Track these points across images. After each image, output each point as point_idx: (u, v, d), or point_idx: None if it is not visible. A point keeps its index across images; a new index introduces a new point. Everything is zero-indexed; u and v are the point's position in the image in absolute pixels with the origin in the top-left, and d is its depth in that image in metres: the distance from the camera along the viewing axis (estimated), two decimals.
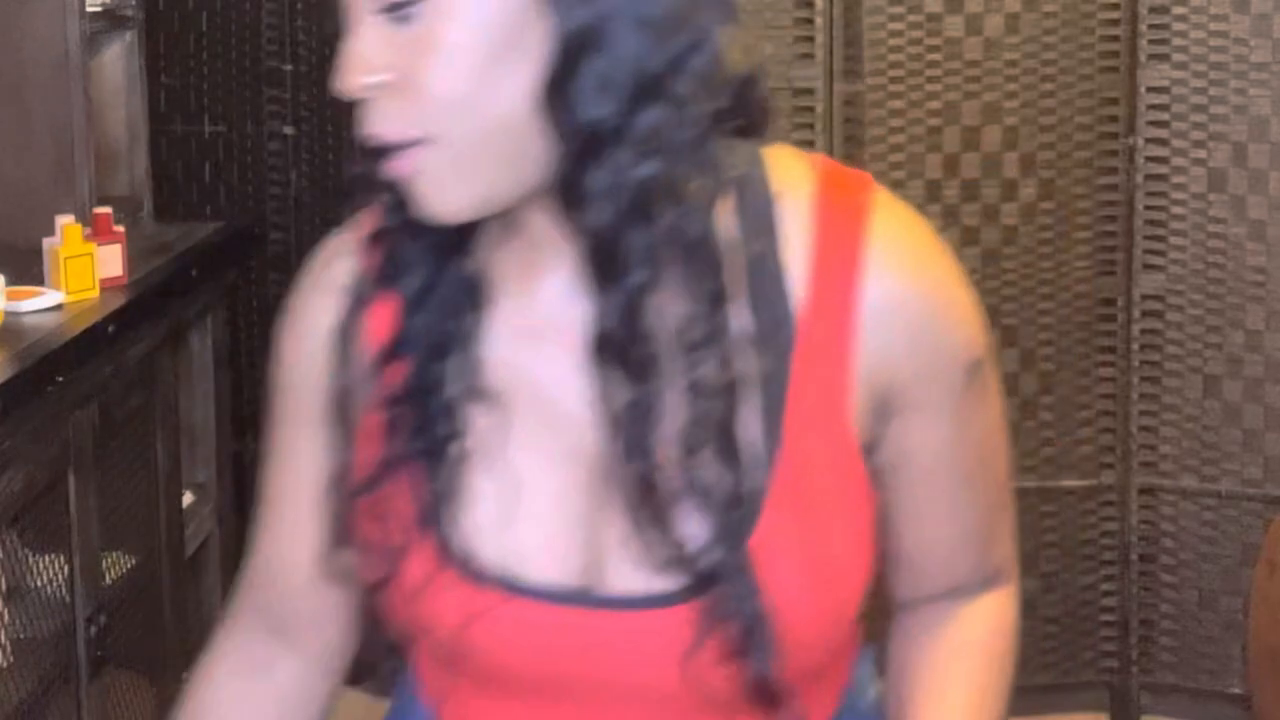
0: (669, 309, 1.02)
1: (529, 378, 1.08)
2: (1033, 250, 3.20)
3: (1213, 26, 3.09)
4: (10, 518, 2.24)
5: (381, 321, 1.10)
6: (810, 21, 3.10)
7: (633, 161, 0.99)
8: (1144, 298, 3.19)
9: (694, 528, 1.03)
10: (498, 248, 1.09)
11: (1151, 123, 3.14)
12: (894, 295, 1.07)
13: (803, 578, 1.07)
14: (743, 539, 1.04)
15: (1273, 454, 3.15)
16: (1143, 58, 3.13)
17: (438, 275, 1.08)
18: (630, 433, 1.02)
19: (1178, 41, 3.11)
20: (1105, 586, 3.29)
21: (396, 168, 1.01)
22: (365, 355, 1.11)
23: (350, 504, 1.11)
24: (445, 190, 1.01)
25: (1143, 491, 3.24)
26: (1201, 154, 3.13)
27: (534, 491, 1.07)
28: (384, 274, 1.09)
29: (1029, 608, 3.48)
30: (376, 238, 1.10)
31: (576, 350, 1.04)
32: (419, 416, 1.07)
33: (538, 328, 1.08)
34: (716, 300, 1.01)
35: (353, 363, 1.11)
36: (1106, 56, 3.16)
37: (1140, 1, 3.10)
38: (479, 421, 1.08)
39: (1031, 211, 3.19)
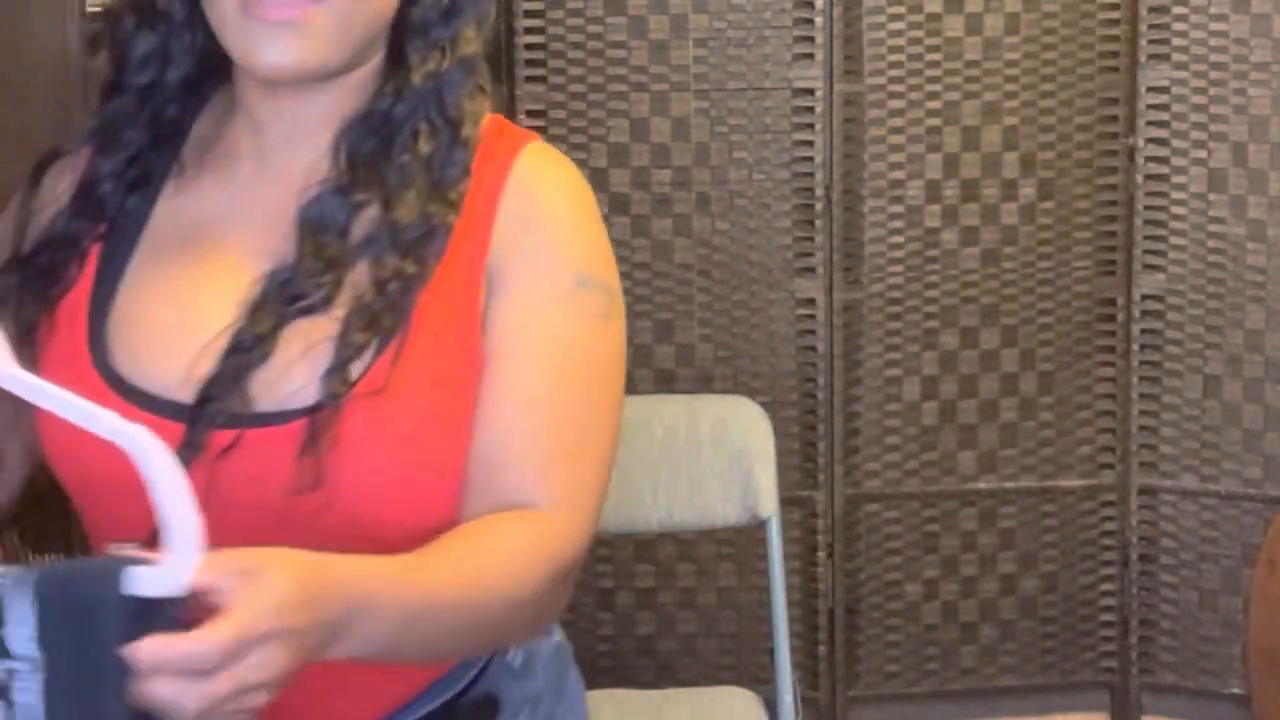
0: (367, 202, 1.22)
1: (219, 224, 1.26)
2: (1033, 250, 3.20)
3: (1213, 26, 3.09)
4: (10, 518, 2.23)
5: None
6: (810, 21, 3.10)
7: (439, 57, 1.25)
8: (1144, 298, 3.19)
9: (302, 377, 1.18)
10: (199, 138, 1.30)
11: (1151, 123, 3.14)
12: (521, 194, 1.24)
13: (380, 451, 1.18)
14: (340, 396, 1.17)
15: (1273, 454, 3.15)
16: (1143, 58, 3.13)
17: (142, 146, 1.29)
18: (287, 293, 1.19)
19: (1178, 41, 3.11)
20: (1105, 586, 3.29)
21: (284, 12, 1.19)
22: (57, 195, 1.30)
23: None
24: (317, 45, 1.20)
25: (1143, 491, 3.24)
26: (1201, 154, 3.13)
27: (175, 305, 1.24)
28: (97, 135, 1.32)
29: (1029, 608, 3.51)
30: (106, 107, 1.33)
31: (280, 213, 1.23)
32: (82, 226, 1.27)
33: (235, 197, 1.27)
34: (400, 206, 1.22)
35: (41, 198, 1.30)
36: (1106, 56, 3.16)
37: (1140, 1, 3.10)
38: (142, 258, 1.26)
39: (1031, 211, 3.19)
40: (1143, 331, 3.20)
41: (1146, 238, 3.17)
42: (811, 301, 3.16)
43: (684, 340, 3.15)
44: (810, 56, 3.10)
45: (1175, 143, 3.14)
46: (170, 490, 0.99)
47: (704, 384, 2.95)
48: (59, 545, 2.41)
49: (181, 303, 1.24)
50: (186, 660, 0.95)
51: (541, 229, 1.25)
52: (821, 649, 3.24)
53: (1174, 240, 3.16)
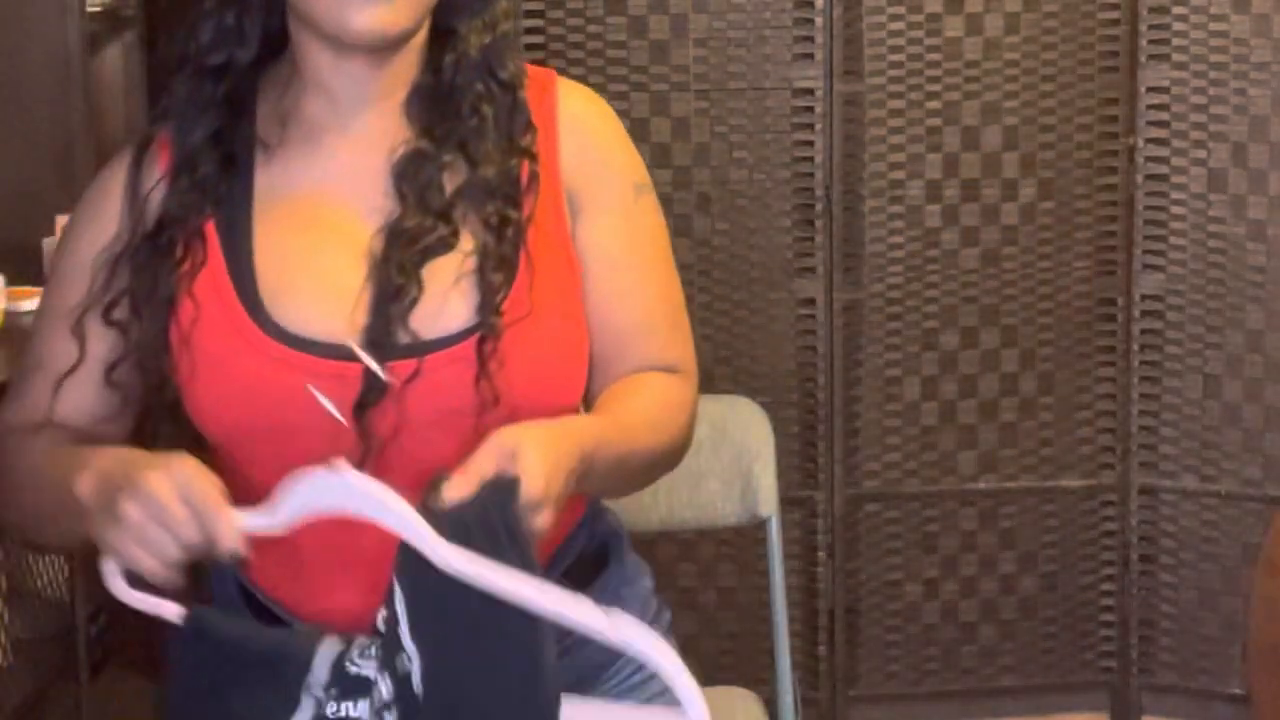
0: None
1: (324, 202, 1.40)
2: (1033, 250, 3.20)
3: (1213, 26, 3.09)
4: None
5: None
6: (810, 21, 3.10)
7: (485, 30, 1.42)
8: (1144, 298, 3.19)
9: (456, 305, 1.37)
10: (272, 113, 1.42)
11: (1151, 123, 3.14)
12: (575, 128, 1.45)
13: (535, 362, 1.38)
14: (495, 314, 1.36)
15: (1273, 454, 3.15)
16: (1143, 58, 3.13)
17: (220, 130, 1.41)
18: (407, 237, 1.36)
19: (1178, 41, 3.11)
20: (1105, 586, 3.29)
21: None
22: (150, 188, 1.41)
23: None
24: (399, 12, 1.35)
25: (1143, 491, 3.24)
26: (1201, 154, 3.13)
27: (312, 265, 1.38)
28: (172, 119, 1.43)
29: (1029, 608, 3.50)
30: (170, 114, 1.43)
31: (373, 175, 1.39)
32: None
33: (325, 166, 1.40)
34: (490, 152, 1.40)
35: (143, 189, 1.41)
36: (1106, 56, 3.16)
37: (1140, 1, 3.10)
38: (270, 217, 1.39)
39: (1031, 211, 3.19)
40: (1143, 331, 3.19)
41: (1146, 238, 3.17)
42: (811, 301, 3.16)
43: None
44: (810, 56, 3.10)
45: (1175, 142, 3.14)
46: None
47: (704, 384, 2.94)
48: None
49: (313, 264, 1.38)
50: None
51: (599, 154, 1.47)
52: (821, 649, 3.24)
53: (1174, 240, 3.16)
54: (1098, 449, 3.26)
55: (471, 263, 1.37)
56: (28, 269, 2.51)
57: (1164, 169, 3.15)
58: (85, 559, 2.38)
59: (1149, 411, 3.21)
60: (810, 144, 3.12)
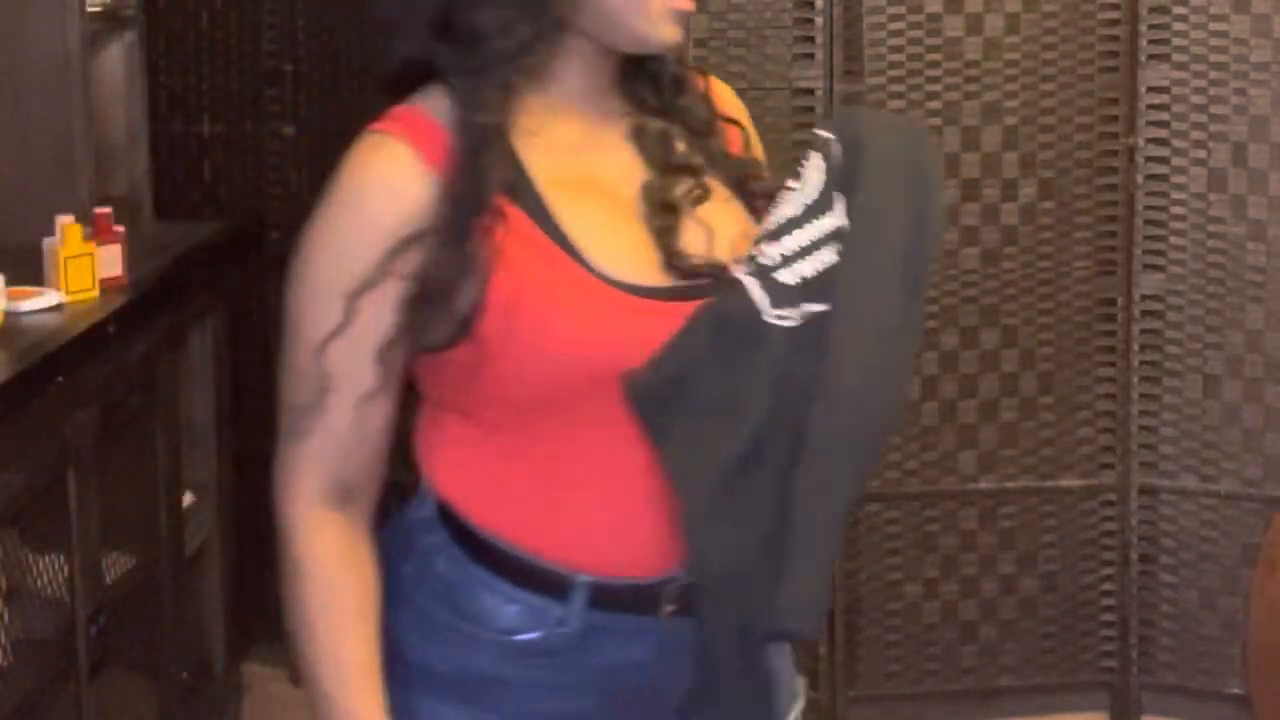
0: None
1: (585, 173, 1.52)
2: (1033, 250, 3.20)
3: (1213, 26, 3.09)
4: (10, 518, 2.23)
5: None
6: (810, 21, 3.10)
7: None
8: (1144, 298, 3.19)
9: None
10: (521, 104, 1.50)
11: (1151, 123, 3.14)
12: (727, 96, 1.70)
13: None
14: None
15: (1273, 454, 3.15)
16: (1143, 58, 3.13)
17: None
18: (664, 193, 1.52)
19: (1178, 41, 3.11)
20: (1105, 586, 3.29)
21: (687, 3, 1.51)
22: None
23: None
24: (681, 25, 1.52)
25: (1143, 491, 3.24)
26: (1201, 154, 3.13)
27: (608, 226, 1.49)
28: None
29: (1029, 608, 3.49)
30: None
31: (613, 146, 1.54)
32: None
33: (574, 140, 1.52)
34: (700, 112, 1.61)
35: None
36: (1106, 56, 3.16)
37: (1140, 1, 3.10)
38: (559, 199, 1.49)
39: (1031, 211, 3.19)
40: (1143, 331, 3.19)
41: (1146, 237, 3.17)
42: None
43: None
44: (810, 56, 3.10)
45: (1175, 142, 3.14)
46: None
47: None
48: (59, 545, 2.42)
49: (608, 226, 1.49)
50: None
51: (752, 130, 1.68)
52: (821, 649, 3.24)
53: (1174, 240, 3.16)
54: (1098, 449, 3.26)
55: (735, 205, 1.55)
56: (28, 269, 2.52)
57: (1164, 169, 3.15)
58: (85, 558, 2.38)
59: (1149, 411, 3.21)
60: (810, 144, 3.11)
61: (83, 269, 2.54)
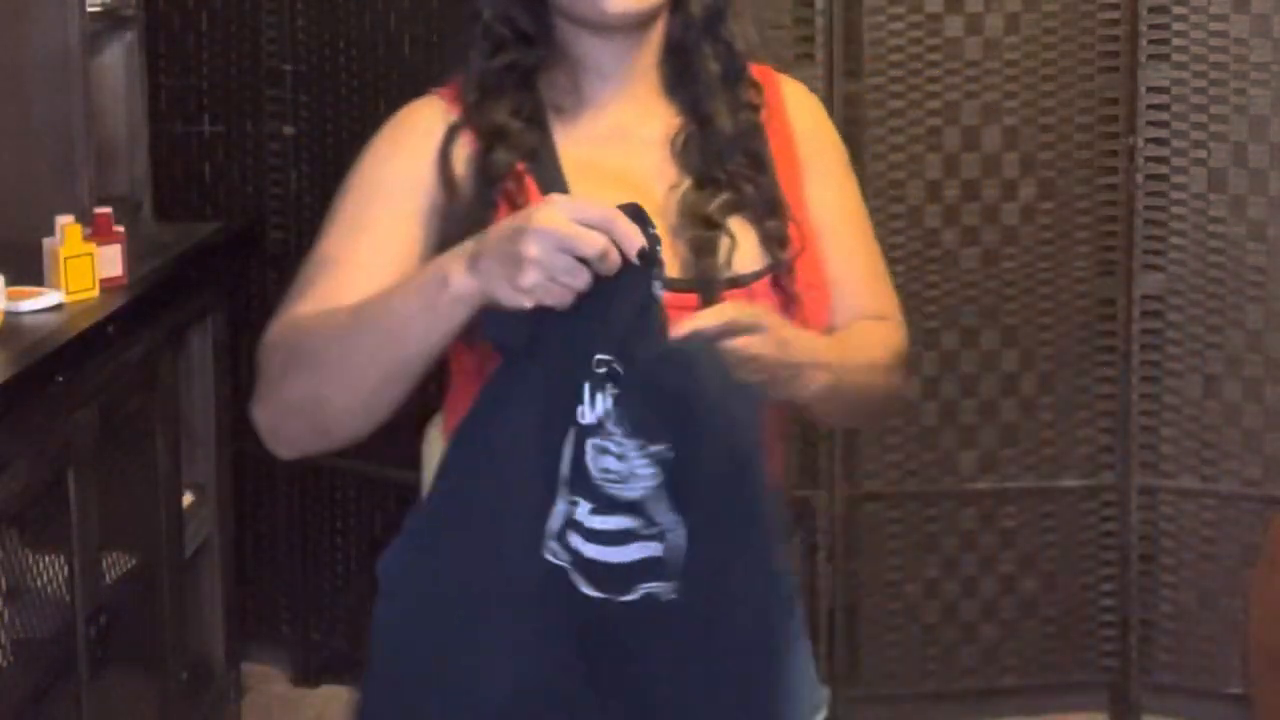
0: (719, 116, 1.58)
1: (614, 165, 1.56)
2: (1033, 250, 3.20)
3: (1213, 26, 3.09)
4: (10, 518, 2.24)
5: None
6: (810, 21, 3.10)
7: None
8: (1144, 298, 3.19)
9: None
10: (556, 83, 1.58)
11: (1151, 123, 3.14)
12: (800, 97, 1.67)
13: (817, 290, 1.57)
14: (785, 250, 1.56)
15: (1273, 454, 3.15)
16: (1143, 58, 3.13)
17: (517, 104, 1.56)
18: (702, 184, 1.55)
19: (1178, 41, 3.11)
20: (1105, 586, 3.29)
21: None
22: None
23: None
24: None
25: (1143, 491, 3.24)
26: (1201, 154, 3.13)
27: None
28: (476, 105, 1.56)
29: (1029, 608, 3.49)
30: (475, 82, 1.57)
31: (647, 143, 1.57)
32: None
33: (608, 133, 1.57)
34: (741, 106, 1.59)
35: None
36: (1106, 56, 3.16)
37: (1140, 1, 3.10)
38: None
39: (1031, 211, 3.19)
40: (1143, 331, 3.19)
41: (1146, 238, 3.17)
42: None
43: None
44: (810, 56, 3.10)
45: (1175, 143, 3.14)
46: None
47: None
48: (59, 545, 2.42)
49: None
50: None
51: (824, 130, 1.67)
52: (821, 649, 3.24)
53: (1174, 240, 3.16)
54: (1098, 449, 3.26)
55: (746, 212, 1.55)
56: (28, 269, 2.52)
57: (1164, 169, 3.15)
58: (85, 558, 2.38)
59: (1149, 411, 3.21)
60: None
61: (83, 269, 2.54)
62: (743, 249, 1.53)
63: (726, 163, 1.56)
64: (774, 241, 1.55)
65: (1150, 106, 3.14)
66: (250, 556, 3.43)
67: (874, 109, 3.12)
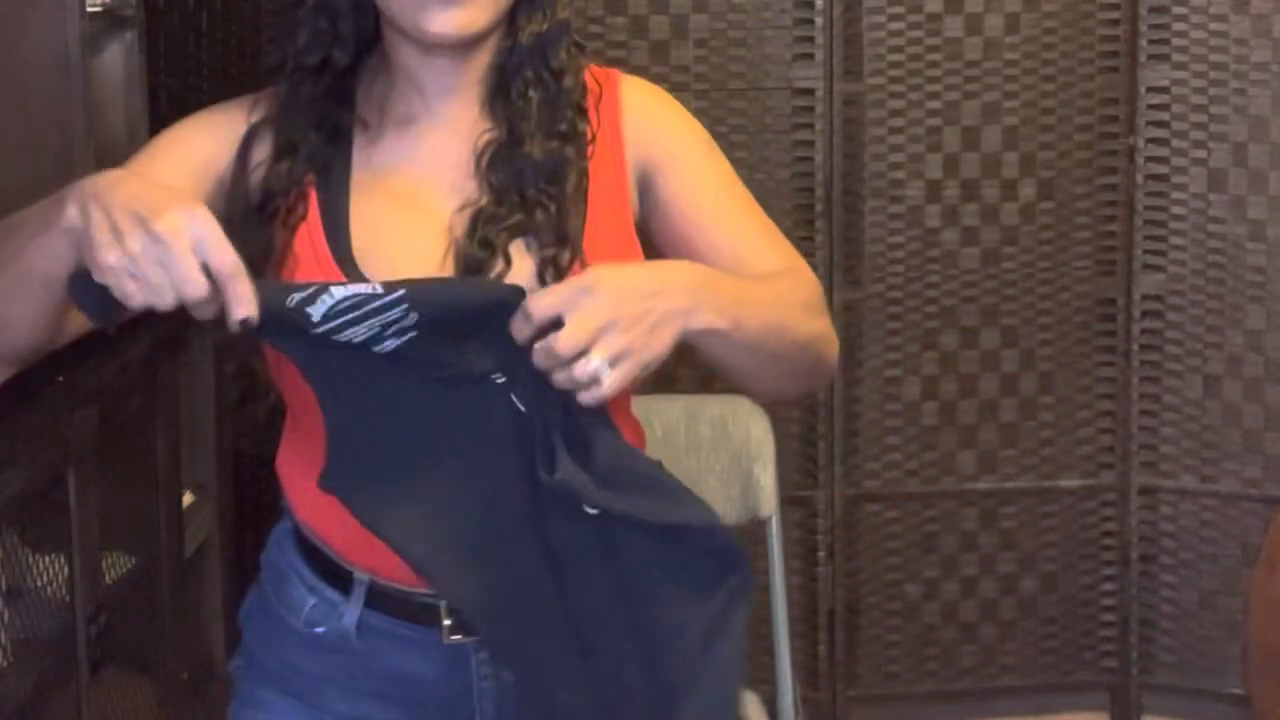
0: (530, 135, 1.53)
1: (396, 182, 1.53)
2: (1033, 250, 3.20)
3: (1213, 26, 3.09)
4: (10, 518, 2.23)
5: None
6: (810, 21, 3.10)
7: (541, 19, 1.54)
8: (1144, 298, 3.19)
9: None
10: (373, 94, 1.56)
11: (1151, 123, 3.14)
12: (640, 116, 1.60)
13: None
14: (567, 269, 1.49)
15: (1273, 454, 3.15)
16: (1143, 58, 3.13)
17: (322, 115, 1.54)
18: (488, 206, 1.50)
19: (1178, 41, 3.11)
20: (1105, 586, 3.29)
21: None
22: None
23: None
24: (474, 15, 1.48)
25: (1143, 491, 3.24)
26: (1201, 154, 3.13)
27: (400, 234, 1.50)
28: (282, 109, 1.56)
29: (1029, 608, 3.49)
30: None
31: (451, 162, 1.53)
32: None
33: (410, 151, 1.54)
34: (560, 132, 1.54)
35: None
36: (1106, 56, 3.16)
37: (1140, 1, 3.10)
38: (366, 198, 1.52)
39: (1031, 211, 3.19)
40: (1143, 331, 3.20)
41: (1146, 238, 3.17)
42: None
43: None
44: (810, 56, 3.10)
45: (1175, 143, 3.14)
46: None
47: (704, 384, 2.94)
48: (59, 545, 2.41)
49: (401, 234, 1.50)
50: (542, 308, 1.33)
51: (665, 124, 1.62)
52: (821, 649, 3.24)
53: (1174, 240, 3.16)
54: (1098, 449, 3.26)
55: (531, 238, 1.50)
56: None
57: (1164, 169, 3.15)
58: (84, 558, 2.38)
59: (1149, 411, 3.21)
60: (810, 144, 3.12)
61: None
62: (516, 275, 1.47)
63: (527, 187, 1.51)
64: (551, 271, 1.48)
65: (1150, 106, 3.14)
66: (250, 557, 3.43)
67: (874, 109, 3.12)
